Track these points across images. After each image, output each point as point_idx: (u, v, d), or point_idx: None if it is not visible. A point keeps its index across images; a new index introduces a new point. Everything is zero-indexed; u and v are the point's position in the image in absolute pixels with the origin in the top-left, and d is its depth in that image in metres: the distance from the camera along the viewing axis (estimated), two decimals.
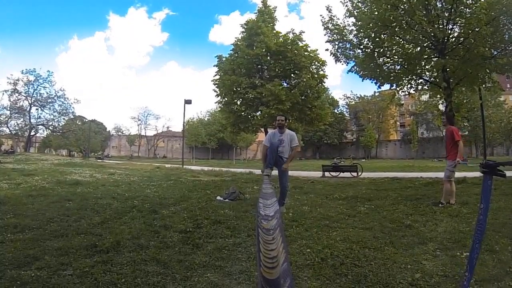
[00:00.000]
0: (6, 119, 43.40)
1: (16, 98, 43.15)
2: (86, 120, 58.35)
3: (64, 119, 47.22)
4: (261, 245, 1.39)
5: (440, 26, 10.20)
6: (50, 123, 46.36)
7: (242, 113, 18.15)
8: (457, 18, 10.17)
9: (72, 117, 48.86)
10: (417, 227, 4.86)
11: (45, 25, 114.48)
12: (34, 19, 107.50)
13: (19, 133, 45.54)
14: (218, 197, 7.82)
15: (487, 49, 9.30)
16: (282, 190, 5.86)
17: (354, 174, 16.09)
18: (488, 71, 10.29)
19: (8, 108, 43.07)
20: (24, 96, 43.57)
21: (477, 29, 9.07)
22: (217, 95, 18.47)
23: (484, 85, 11.44)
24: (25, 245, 3.74)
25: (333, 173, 16.87)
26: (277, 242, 1.45)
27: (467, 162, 26.63)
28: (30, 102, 44.00)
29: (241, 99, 18.09)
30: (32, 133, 47.04)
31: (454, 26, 10.53)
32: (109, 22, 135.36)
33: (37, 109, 44.85)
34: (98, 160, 38.71)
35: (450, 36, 10.45)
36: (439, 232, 4.52)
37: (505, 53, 9.73)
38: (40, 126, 46.84)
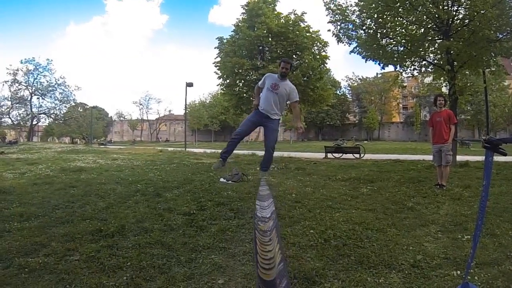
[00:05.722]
0: (8, 109, 43.34)
1: (17, 88, 42.91)
2: (88, 107, 57.92)
3: (65, 106, 47.04)
4: (258, 246, 1.39)
5: (445, 8, 9.96)
6: (52, 112, 46.21)
7: (244, 95, 18.04)
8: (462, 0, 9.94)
9: (73, 104, 48.64)
10: (419, 209, 4.89)
11: (41, 11, 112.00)
12: (29, 5, 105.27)
13: (21, 123, 45.58)
14: (221, 179, 7.86)
15: (492, 32, 9.07)
16: (266, 152, 4.86)
17: (357, 155, 16.10)
18: (493, 54, 10.09)
19: (9, 99, 42.95)
20: (25, 85, 43.30)
21: (482, 11, 8.84)
22: (219, 78, 18.35)
23: (488, 69, 11.26)
24: (31, 233, 3.78)
25: (336, 155, 16.92)
26: (273, 243, 1.45)
27: (470, 145, 26.56)
28: (30, 91, 43.75)
29: (243, 81, 17.96)
30: (34, 122, 47.03)
31: (459, 8, 10.26)
32: (106, 6, 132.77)
33: (38, 98, 44.71)
34: (101, 146, 38.78)
35: (455, 17, 10.20)
36: (441, 215, 4.54)
37: (510, 36, 9.52)
38: (42, 115, 46.78)
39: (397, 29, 11.03)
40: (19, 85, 42.85)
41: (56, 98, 45.11)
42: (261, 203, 2.36)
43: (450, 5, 10.06)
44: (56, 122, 50.22)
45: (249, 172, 9.02)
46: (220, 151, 5.12)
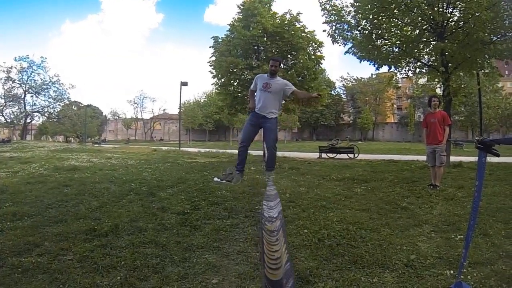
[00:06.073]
0: (1, 107, 42.91)
1: (10, 86, 42.48)
2: (82, 105, 57.66)
3: (59, 105, 46.62)
4: (265, 246, 1.39)
5: (440, 9, 10.04)
6: (46, 110, 45.80)
7: (239, 95, 17.97)
8: (457, 2, 10.00)
9: (67, 102, 48.22)
10: (413, 209, 4.92)
11: (36, 10, 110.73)
12: (24, 4, 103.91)
13: (15, 121, 45.03)
14: (215, 179, 7.79)
15: (486, 34, 9.18)
16: (268, 152, 4.86)
17: (351, 155, 16.17)
18: (487, 56, 10.18)
19: (2, 97, 42.54)
20: (18, 83, 42.85)
21: (477, 14, 8.92)
22: (214, 77, 18.25)
23: (482, 71, 11.36)
24: (24, 232, 3.75)
25: (330, 155, 16.98)
26: (280, 243, 1.45)
27: (463, 146, 26.79)
28: (24, 89, 43.31)
29: (237, 81, 17.87)
30: (28, 121, 46.61)
31: (454, 10, 10.34)
32: (102, 5, 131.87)
33: (32, 96, 44.25)
34: (95, 145, 38.63)
35: (450, 19, 10.27)
36: (434, 215, 4.58)
37: (504, 39, 9.60)
38: (36, 113, 46.43)
39: (392, 30, 11.10)
40: (12, 82, 42.44)
41: (50, 96, 44.75)
42: (269, 203, 2.35)
43: (445, 7, 10.13)
44: (50, 120, 49.76)
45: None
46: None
